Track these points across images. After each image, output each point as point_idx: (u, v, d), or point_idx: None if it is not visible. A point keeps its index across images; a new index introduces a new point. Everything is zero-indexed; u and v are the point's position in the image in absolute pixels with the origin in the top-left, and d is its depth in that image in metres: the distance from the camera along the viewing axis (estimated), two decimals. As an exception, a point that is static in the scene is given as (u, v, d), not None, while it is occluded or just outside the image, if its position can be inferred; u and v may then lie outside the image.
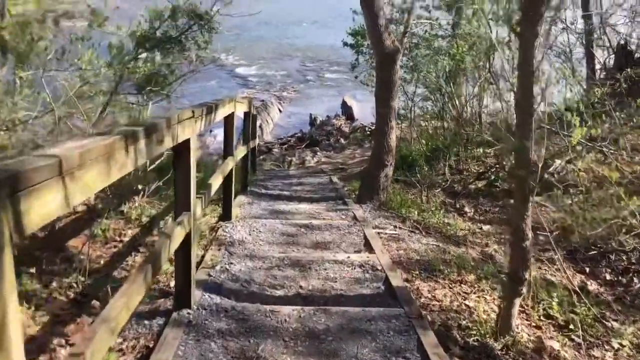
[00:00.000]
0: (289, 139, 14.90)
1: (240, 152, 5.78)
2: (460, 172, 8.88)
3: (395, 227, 5.74)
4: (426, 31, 8.84)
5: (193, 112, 2.61)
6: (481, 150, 9.31)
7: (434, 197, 7.51)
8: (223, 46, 27.21)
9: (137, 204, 5.18)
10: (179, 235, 2.47)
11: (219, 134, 12.94)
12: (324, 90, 21.49)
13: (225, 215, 4.79)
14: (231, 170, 4.60)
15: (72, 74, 8.42)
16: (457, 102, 9.19)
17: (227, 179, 4.65)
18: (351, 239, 4.60)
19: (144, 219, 4.81)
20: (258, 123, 15.66)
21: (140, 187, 5.30)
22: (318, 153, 12.11)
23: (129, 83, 9.06)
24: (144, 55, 8.61)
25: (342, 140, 13.75)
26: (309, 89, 21.65)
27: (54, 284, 3.16)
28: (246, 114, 6.48)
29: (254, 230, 4.57)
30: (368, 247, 4.44)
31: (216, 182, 3.74)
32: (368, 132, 14.01)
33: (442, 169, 8.76)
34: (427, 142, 8.02)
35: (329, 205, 6.08)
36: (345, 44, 9.77)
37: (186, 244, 2.67)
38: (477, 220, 6.78)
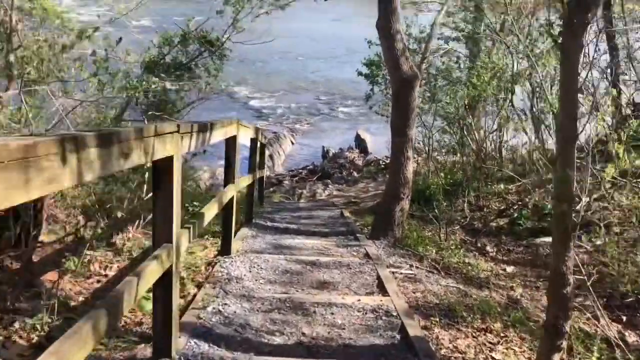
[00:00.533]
0: (300, 171, 14.54)
1: (244, 181, 5.38)
2: (480, 208, 8.40)
3: (411, 266, 5.25)
4: (444, 62, 8.52)
5: (178, 126, 2.22)
6: (502, 186, 8.82)
7: (453, 234, 7.01)
8: (237, 78, 27.34)
9: (130, 235, 4.78)
10: (154, 272, 2.04)
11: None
12: (337, 124, 21.25)
13: (224, 250, 4.35)
14: (231, 199, 4.18)
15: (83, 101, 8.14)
16: (476, 135, 8.78)
17: (227, 210, 4.23)
18: (362, 279, 4.11)
19: (136, 252, 4.39)
20: (268, 153, 15.39)
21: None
22: (330, 186, 11.70)
23: (137, 110, 8.81)
24: (153, 81, 8.37)
25: (354, 174, 13.34)
26: (322, 121, 21.43)
27: (17, 325, 2.72)
28: (253, 141, 6.11)
29: (254, 267, 4.11)
30: (381, 288, 3.95)
31: (210, 211, 3.31)
32: (382, 166, 13.61)
33: (460, 205, 8.28)
34: (445, 176, 7.56)
35: (339, 240, 5.62)
36: (360, 73, 9.48)
37: (166, 282, 2.23)
38: (500, 260, 6.26)
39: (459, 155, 9.77)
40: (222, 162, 14.08)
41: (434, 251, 6.00)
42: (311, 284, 3.91)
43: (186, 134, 2.33)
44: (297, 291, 3.74)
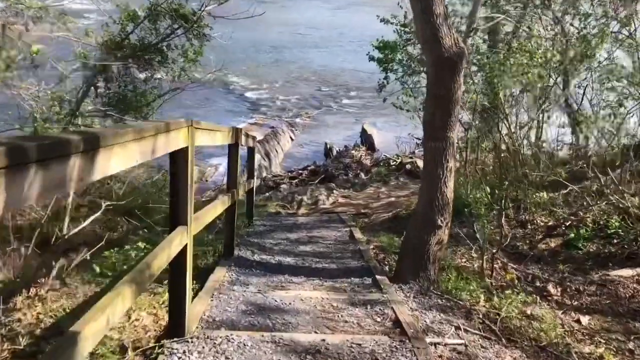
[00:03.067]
0: (301, 172, 12.87)
1: (219, 206, 3.71)
2: (522, 224, 6.75)
3: (457, 328, 3.61)
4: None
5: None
6: (544, 194, 7.13)
7: (494, 260, 5.34)
8: (233, 67, 25.65)
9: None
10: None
11: (222, 163, 10.89)
12: (341, 117, 19.53)
13: (174, 327, 2.69)
14: (183, 250, 2.52)
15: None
16: (519, 133, 7.12)
17: (175, 267, 2.57)
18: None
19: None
20: (263, 151, 13.73)
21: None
22: (334, 191, 10.03)
23: (98, 102, 7.14)
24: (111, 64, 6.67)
25: (362, 175, 11.67)
26: (324, 115, 19.70)
27: None
28: (231, 148, 4.43)
29: (219, 366, 2.47)
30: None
31: (117, 302, 1.67)
32: (393, 166, 11.93)
33: (497, 220, 6.66)
34: (491, 185, 5.92)
35: (351, 288, 3.97)
36: (371, 58, 7.78)
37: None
38: (570, 306, 4.61)
39: (492, 156, 8.10)
40: (213, 160, 12.38)
41: (482, 297, 4.35)
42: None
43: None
44: None
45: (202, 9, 6.48)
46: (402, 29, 7.73)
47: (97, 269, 3.39)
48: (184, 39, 6.88)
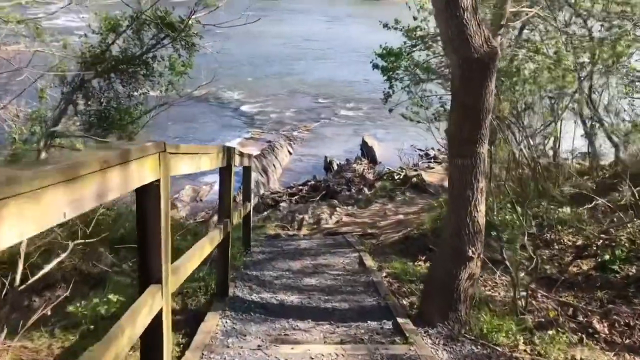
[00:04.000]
0: (300, 187, 12.22)
1: (207, 246, 3.05)
2: (547, 244, 6.11)
3: (500, 385, 2.97)
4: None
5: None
6: (568, 209, 6.51)
7: (529, 294, 4.70)
8: (227, 81, 25.11)
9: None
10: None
11: (218, 180, 10.28)
12: (340, 129, 18.92)
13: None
14: (157, 317, 1.87)
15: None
16: (536, 143, 6.52)
17: (149, 341, 1.92)
18: None
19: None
20: (260, 167, 13.10)
21: None
22: (337, 208, 9.39)
23: (78, 120, 6.51)
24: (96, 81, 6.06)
25: (365, 190, 11.03)
26: (322, 127, 19.09)
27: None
28: (223, 172, 3.79)
29: None
30: None
31: None
32: (398, 180, 11.30)
33: (520, 239, 6.05)
34: (512, 202, 5.30)
35: (369, 336, 3.32)
36: (375, 66, 7.17)
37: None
38: (621, 345, 3.96)
39: (507, 169, 7.48)
40: (207, 178, 11.72)
41: (521, 339, 3.71)
42: None
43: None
44: None
45: (190, 16, 5.87)
46: (408, 34, 7.15)
47: (58, 331, 2.74)
48: (171, 50, 6.27)
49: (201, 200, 11.88)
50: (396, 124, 19.47)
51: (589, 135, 7.82)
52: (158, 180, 1.84)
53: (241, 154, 5.23)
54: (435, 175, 11.81)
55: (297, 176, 13.79)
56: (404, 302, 4.47)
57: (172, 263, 2.09)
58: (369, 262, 5.43)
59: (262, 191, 12.45)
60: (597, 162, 7.91)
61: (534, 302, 4.48)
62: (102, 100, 6.11)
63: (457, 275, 3.51)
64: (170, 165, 1.95)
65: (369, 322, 3.58)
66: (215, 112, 20.72)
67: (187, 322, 3.62)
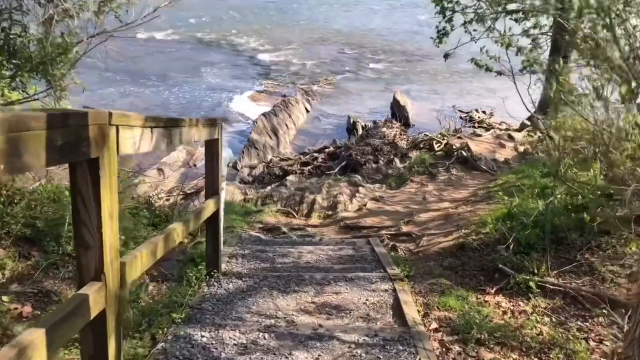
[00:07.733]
0: (316, 155, 9.97)
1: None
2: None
3: None
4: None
5: None
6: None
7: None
8: (244, 27, 22.55)
9: None
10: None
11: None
12: (366, 85, 16.42)
13: None
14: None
15: None
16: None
17: None
18: None
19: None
20: (269, 126, 10.74)
21: None
22: (361, 188, 7.14)
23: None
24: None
25: (397, 162, 8.72)
26: (346, 82, 16.60)
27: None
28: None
29: None
30: None
31: None
32: (439, 150, 8.94)
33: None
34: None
35: None
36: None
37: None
38: None
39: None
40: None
41: None
42: None
43: None
44: None
45: None
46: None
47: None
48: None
49: (195, 165, 9.78)
50: (434, 79, 16.92)
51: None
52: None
53: (210, 123, 3.04)
54: (483, 145, 9.42)
55: (313, 139, 11.51)
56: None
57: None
58: (411, 310, 3.21)
59: (269, 156, 10.26)
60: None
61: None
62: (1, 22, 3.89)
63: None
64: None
65: None
66: (227, 60, 18.37)
67: None
